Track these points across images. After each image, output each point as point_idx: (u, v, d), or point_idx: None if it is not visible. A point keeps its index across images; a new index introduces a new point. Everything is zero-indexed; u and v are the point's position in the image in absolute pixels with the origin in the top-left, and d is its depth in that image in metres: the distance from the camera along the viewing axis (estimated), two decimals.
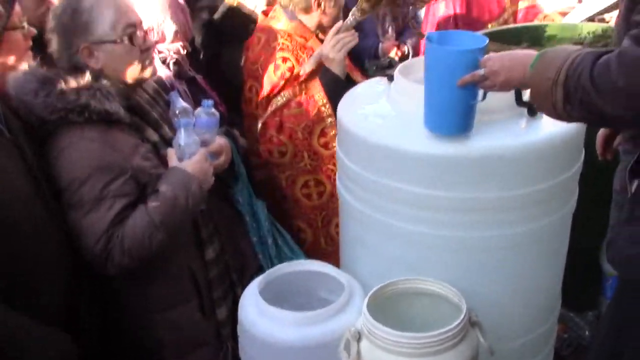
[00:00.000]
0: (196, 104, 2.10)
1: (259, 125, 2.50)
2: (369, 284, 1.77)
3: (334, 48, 2.33)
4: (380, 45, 3.78)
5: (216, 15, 2.82)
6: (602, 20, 3.51)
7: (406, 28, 4.01)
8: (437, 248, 1.77)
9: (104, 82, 1.79)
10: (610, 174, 1.70)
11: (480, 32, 2.72)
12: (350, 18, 2.39)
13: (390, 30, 3.90)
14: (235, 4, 2.81)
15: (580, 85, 1.27)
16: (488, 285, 1.79)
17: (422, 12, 4.18)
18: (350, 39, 2.36)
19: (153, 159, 1.84)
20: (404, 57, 3.79)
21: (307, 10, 2.45)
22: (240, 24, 2.77)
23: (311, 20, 2.49)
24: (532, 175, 1.70)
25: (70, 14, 1.77)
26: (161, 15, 2.33)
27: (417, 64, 1.96)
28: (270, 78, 2.43)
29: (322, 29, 2.54)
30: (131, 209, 1.74)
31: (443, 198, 1.70)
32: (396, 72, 1.94)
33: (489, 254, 1.77)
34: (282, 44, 2.42)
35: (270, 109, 2.45)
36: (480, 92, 1.63)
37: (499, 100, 1.70)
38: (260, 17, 2.58)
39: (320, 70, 2.43)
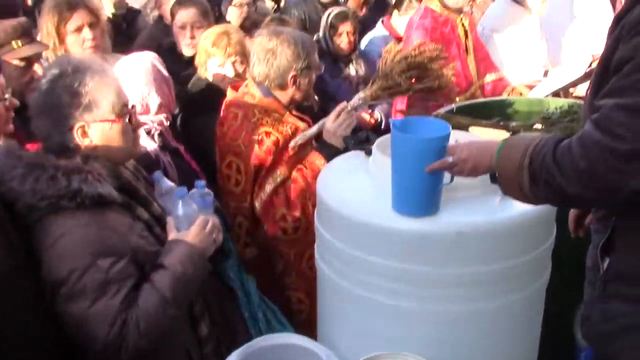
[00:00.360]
0: (180, 175, 2.12)
1: (259, 204, 2.47)
2: (348, 358, 1.78)
3: (341, 126, 2.42)
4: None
5: (190, 86, 2.88)
6: (567, 94, 3.67)
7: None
8: (415, 322, 1.80)
9: (94, 163, 1.74)
10: (582, 248, 1.75)
11: (450, 106, 2.84)
12: (356, 99, 2.50)
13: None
14: (205, 76, 2.88)
15: (545, 167, 1.35)
16: (467, 357, 1.82)
17: None
18: (353, 119, 2.49)
19: (148, 237, 1.80)
20: (377, 124, 3.92)
21: (282, 87, 2.51)
22: (211, 95, 2.84)
23: (285, 96, 2.54)
24: (506, 250, 1.75)
25: (67, 91, 1.73)
26: (146, 88, 2.35)
27: None
28: (257, 153, 2.44)
29: (294, 103, 2.61)
30: (135, 290, 1.69)
31: (420, 273, 1.74)
32: (374, 147, 2.00)
33: (466, 327, 1.79)
34: (262, 119, 2.46)
35: (268, 186, 2.46)
36: (448, 176, 1.70)
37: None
38: (230, 92, 2.58)
39: (308, 142, 2.49)
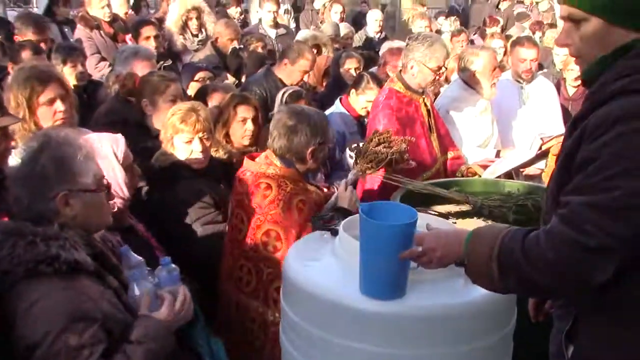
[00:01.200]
0: (134, 252, 2.12)
1: None
2: None
3: (351, 201, 2.67)
4: None
5: (153, 160, 2.89)
6: (518, 174, 3.83)
7: (334, 170, 4.23)
8: None
9: (69, 231, 1.81)
10: (542, 330, 1.81)
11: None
12: (351, 175, 2.80)
13: (319, 174, 4.10)
14: (171, 152, 2.90)
15: (514, 258, 1.41)
16: None
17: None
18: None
19: (118, 304, 1.85)
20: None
21: (302, 160, 2.72)
22: (175, 171, 2.85)
23: (303, 167, 2.76)
24: (472, 332, 1.79)
25: (52, 162, 1.81)
26: (110, 165, 2.38)
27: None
28: (298, 222, 2.57)
29: (310, 172, 2.91)
30: (105, 358, 1.71)
31: (386, 355, 1.76)
32: (340, 228, 2.05)
33: None
34: (292, 188, 2.64)
35: None
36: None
37: None
38: (248, 162, 2.74)
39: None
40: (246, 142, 3.50)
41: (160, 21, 6.38)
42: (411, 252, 1.66)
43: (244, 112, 3.48)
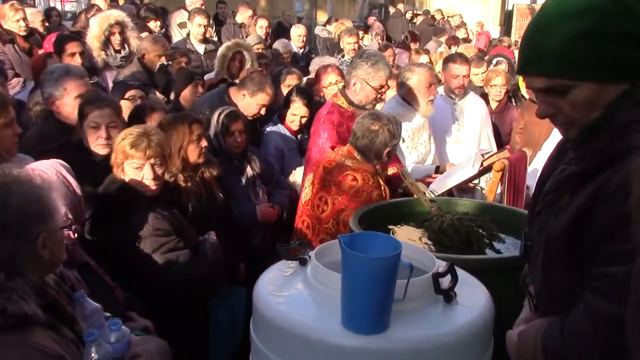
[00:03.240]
0: (91, 292, 1.97)
1: None
2: None
3: None
4: (258, 208, 3.90)
5: (102, 188, 2.71)
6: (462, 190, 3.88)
7: (275, 190, 4.17)
8: None
9: (18, 280, 1.63)
10: None
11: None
12: None
13: (261, 193, 4.03)
14: (122, 178, 2.73)
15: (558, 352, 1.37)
16: None
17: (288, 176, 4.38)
18: None
19: (76, 355, 1.70)
20: (279, 215, 3.93)
21: (379, 158, 3.28)
22: (126, 198, 2.69)
23: (378, 164, 3.33)
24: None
25: (26, 203, 1.66)
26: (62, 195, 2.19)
27: (331, 247, 2.01)
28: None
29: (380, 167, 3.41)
30: None
31: None
32: (312, 256, 1.97)
33: None
34: (373, 183, 3.19)
35: None
36: (399, 292, 1.69)
37: (416, 289, 1.77)
38: (333, 153, 3.27)
39: None
40: (201, 159, 3.38)
41: (79, 34, 6.11)
42: None
43: (198, 130, 3.36)
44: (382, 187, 3.29)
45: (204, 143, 3.35)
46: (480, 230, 2.66)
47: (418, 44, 10.67)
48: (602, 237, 1.32)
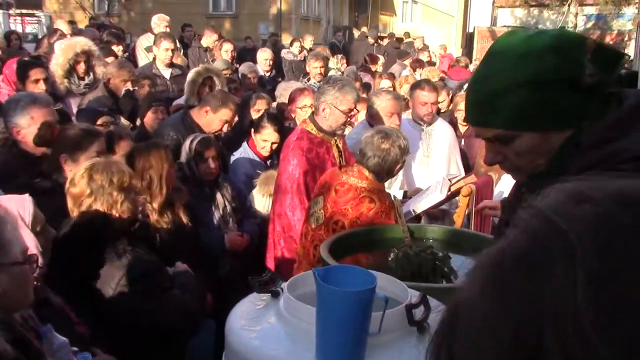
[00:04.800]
0: (58, 329, 1.92)
1: None
2: None
3: None
4: (226, 236, 3.87)
5: (63, 230, 2.64)
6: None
7: (245, 217, 4.15)
8: None
9: None
10: None
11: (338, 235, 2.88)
12: None
13: (231, 221, 4.01)
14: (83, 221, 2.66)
15: None
16: None
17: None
18: None
19: None
20: (248, 245, 3.91)
21: (390, 174, 3.33)
22: (88, 241, 2.62)
23: (388, 178, 3.41)
24: None
25: None
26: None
27: (304, 278, 2.00)
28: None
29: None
30: None
31: None
32: (285, 289, 1.95)
33: None
34: (390, 202, 3.16)
35: None
36: (374, 325, 1.69)
37: (390, 321, 1.77)
38: (344, 176, 3.21)
39: None
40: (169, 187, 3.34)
41: (39, 58, 6.02)
42: None
43: (170, 154, 3.33)
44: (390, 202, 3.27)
45: (174, 167, 3.32)
46: (438, 263, 2.65)
47: (379, 65, 10.81)
48: None
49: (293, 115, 5.07)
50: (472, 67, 12.83)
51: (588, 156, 1.29)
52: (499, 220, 1.77)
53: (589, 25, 25.71)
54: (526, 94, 1.31)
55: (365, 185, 3.16)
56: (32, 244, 2.16)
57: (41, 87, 4.35)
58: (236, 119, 5.15)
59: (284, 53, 11.54)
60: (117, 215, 2.63)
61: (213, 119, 4.38)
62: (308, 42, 12.49)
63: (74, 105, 5.11)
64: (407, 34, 18.57)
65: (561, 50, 1.31)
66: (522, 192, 1.59)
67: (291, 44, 12.27)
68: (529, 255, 0.57)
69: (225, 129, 4.43)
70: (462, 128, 5.59)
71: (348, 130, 4.40)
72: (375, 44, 15.55)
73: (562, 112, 1.32)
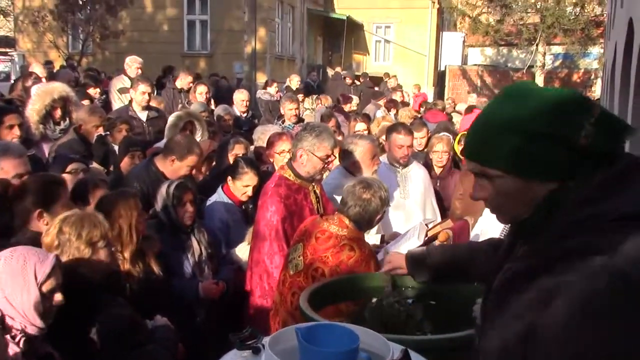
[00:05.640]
0: None
1: None
2: None
3: None
4: (200, 284, 3.82)
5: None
6: None
7: (221, 265, 4.11)
8: None
9: None
10: None
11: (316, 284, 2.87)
12: None
13: (206, 269, 3.97)
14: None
15: None
16: None
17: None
18: None
19: None
20: (224, 293, 3.87)
21: (370, 225, 3.39)
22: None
23: (368, 228, 3.45)
24: None
25: None
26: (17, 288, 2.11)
27: (285, 333, 1.99)
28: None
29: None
30: None
31: None
32: (267, 346, 1.94)
33: None
34: (369, 250, 3.26)
35: None
36: None
37: None
38: (325, 224, 3.23)
39: None
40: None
41: (12, 102, 5.98)
42: None
43: (140, 203, 3.29)
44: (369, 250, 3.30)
45: (144, 216, 3.30)
46: (409, 315, 2.64)
47: (353, 105, 10.93)
48: None
49: (271, 160, 5.08)
50: (447, 108, 13.06)
51: (578, 212, 1.32)
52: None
53: (557, 63, 26.40)
54: (520, 140, 1.36)
55: (345, 234, 3.17)
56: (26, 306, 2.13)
57: (16, 133, 4.30)
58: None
59: (260, 93, 11.63)
60: (85, 269, 2.58)
61: (180, 167, 4.36)
62: (295, 82, 12.55)
63: (47, 150, 5.06)
64: (387, 74, 18.76)
65: (565, 108, 1.36)
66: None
67: (269, 84, 12.37)
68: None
69: (192, 172, 4.44)
70: (437, 170, 5.66)
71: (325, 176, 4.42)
72: (353, 85, 15.75)
73: (550, 165, 1.36)
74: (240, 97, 8.51)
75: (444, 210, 5.24)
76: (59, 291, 2.23)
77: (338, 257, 3.09)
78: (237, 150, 5.07)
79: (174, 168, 4.35)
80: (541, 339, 1.13)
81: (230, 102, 8.70)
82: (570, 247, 1.27)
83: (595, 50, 24.76)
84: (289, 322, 2.93)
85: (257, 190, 4.25)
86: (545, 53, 24.39)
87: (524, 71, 24.64)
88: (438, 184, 5.46)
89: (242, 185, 4.37)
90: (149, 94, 6.66)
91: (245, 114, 8.45)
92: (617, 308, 1.05)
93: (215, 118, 7.39)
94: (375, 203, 3.23)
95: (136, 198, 3.26)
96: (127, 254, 3.16)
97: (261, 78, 19.28)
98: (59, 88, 5.17)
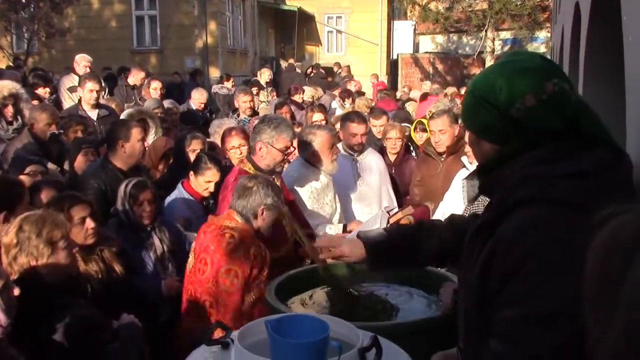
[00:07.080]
0: None
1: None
2: None
3: None
4: (163, 282, 3.78)
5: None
6: None
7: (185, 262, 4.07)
8: None
9: None
10: None
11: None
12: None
13: (170, 266, 3.92)
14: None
15: None
16: None
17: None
18: None
19: None
20: None
21: (255, 216, 3.37)
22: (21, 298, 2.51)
23: (255, 224, 3.40)
24: None
25: None
26: None
27: (254, 327, 1.98)
28: (251, 265, 3.25)
29: (260, 231, 3.45)
30: None
31: None
32: (236, 340, 1.93)
33: None
34: (250, 240, 3.34)
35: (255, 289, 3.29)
36: None
37: None
38: (213, 218, 3.42)
39: None
40: (90, 240, 3.23)
41: None
42: None
43: (80, 212, 3.19)
44: (263, 247, 3.33)
45: (90, 224, 3.19)
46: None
47: (306, 95, 10.92)
48: (499, 287, 1.45)
49: (227, 157, 5.05)
50: (402, 95, 13.15)
51: (532, 169, 1.51)
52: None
53: (506, 48, 26.82)
54: (469, 99, 1.64)
55: (232, 225, 3.30)
56: None
57: None
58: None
59: (216, 88, 11.51)
60: (45, 270, 2.52)
61: (132, 146, 4.32)
62: (266, 76, 12.39)
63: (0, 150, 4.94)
64: (338, 65, 18.80)
65: (513, 81, 1.53)
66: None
67: (226, 79, 12.27)
68: None
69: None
70: (392, 157, 5.71)
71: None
72: (307, 76, 15.73)
73: (485, 127, 1.59)
74: (199, 100, 8.45)
75: (400, 196, 5.30)
76: (10, 283, 2.19)
77: (219, 244, 3.21)
78: (194, 145, 5.01)
79: (127, 151, 4.29)
80: (498, 249, 1.47)
81: (181, 99, 8.64)
82: (516, 200, 1.49)
83: (542, 34, 25.27)
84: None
85: (218, 185, 4.22)
86: (494, 39, 24.74)
87: (475, 57, 24.98)
88: (393, 171, 5.52)
89: (205, 181, 4.34)
90: (97, 92, 6.51)
91: (203, 112, 8.40)
92: (546, 221, 1.41)
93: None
94: (258, 193, 3.31)
95: (77, 204, 3.17)
96: (81, 254, 3.08)
97: (214, 72, 19.08)
98: (9, 85, 5.04)
